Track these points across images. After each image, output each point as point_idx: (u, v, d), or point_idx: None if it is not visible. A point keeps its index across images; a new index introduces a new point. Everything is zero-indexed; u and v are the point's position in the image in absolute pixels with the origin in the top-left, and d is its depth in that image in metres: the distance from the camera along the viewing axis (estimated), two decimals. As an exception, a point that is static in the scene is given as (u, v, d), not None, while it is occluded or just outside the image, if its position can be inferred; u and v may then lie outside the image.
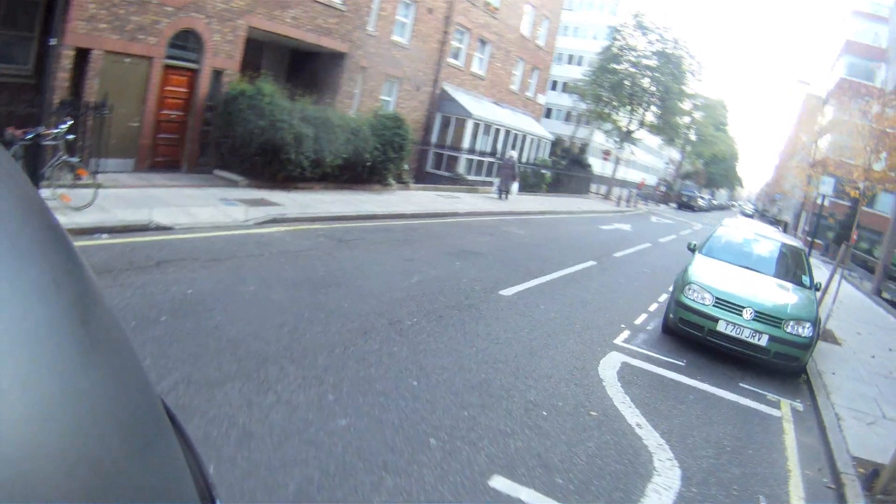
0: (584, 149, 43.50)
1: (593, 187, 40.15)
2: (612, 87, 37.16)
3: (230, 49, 13.58)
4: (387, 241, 11.03)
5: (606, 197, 39.79)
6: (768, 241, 10.66)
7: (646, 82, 37.21)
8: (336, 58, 16.92)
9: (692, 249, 10.31)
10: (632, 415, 5.72)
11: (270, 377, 4.62)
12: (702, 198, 63.60)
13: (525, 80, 31.36)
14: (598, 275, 12.45)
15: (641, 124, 40.02)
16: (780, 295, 8.63)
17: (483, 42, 26.67)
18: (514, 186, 23.92)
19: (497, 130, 27.15)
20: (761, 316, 7.91)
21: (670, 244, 22.96)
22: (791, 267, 9.96)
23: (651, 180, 50.40)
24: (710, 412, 6.43)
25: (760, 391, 7.50)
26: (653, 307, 10.51)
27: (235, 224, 9.82)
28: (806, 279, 9.52)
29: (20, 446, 0.36)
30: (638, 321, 9.31)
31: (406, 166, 18.32)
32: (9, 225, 0.45)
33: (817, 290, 9.40)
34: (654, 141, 47.34)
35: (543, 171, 30.39)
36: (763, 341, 7.78)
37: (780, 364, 7.99)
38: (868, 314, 14.38)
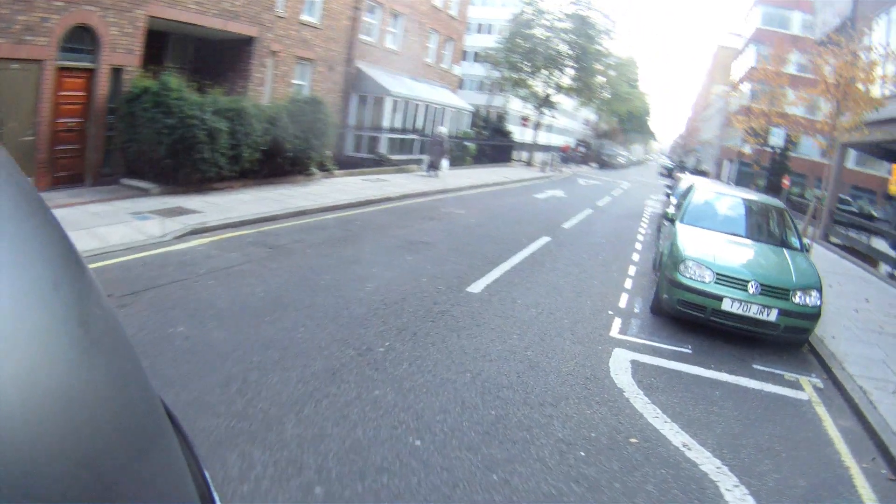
0: (502, 117, 42.59)
1: (515, 154, 39.49)
2: (525, 54, 36.32)
3: (129, 43, 11.72)
4: (326, 242, 9.68)
5: (529, 163, 39.14)
6: (748, 202, 9.96)
7: (562, 46, 36.53)
8: (245, 43, 15.20)
9: (671, 219, 9.41)
10: (672, 432, 4.76)
11: (231, 472, 3.33)
12: (621, 155, 64.39)
13: (440, 51, 30.07)
14: (558, 252, 11.54)
15: (559, 88, 39.50)
16: (779, 263, 7.86)
17: (395, 15, 25.19)
18: (445, 163, 22.80)
19: (416, 106, 25.85)
20: (767, 289, 7.11)
21: (610, 207, 22.42)
22: (778, 229, 9.29)
23: (571, 142, 50.24)
24: (743, 409, 5.60)
25: (776, 370, 6.77)
26: (628, 283, 9.70)
27: (152, 242, 8.24)
28: (795, 240, 8.86)
29: (20, 447, 0.35)
30: (622, 304, 8.43)
31: (328, 152, 16.85)
32: (9, 225, 0.44)
33: (806, 250, 8.75)
34: (571, 103, 47.00)
35: (467, 144, 29.35)
36: (772, 316, 7.00)
37: (790, 338, 7.26)
38: (826, 263, 14.02)
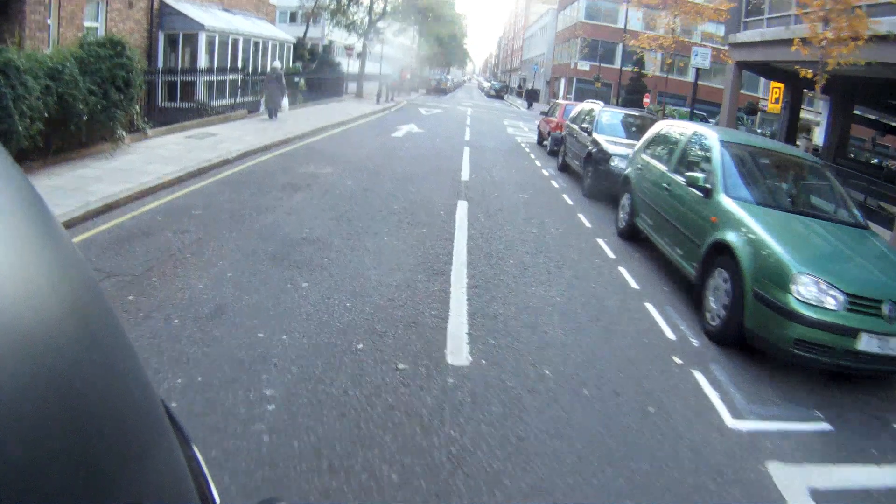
0: (327, 48, 38.87)
1: (346, 87, 36.33)
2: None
3: None
4: (163, 259, 6.39)
5: (359, 95, 36.17)
6: (781, 158, 7.96)
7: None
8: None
9: (704, 189, 6.86)
10: None
11: None
12: (447, 80, 62.92)
13: (250, -25, 25.84)
14: (495, 228, 9.36)
15: (383, 13, 36.80)
16: (883, 259, 5.86)
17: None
18: (285, 102, 19.44)
19: (235, 41, 21.80)
20: (896, 308, 5.00)
21: (480, 141, 20.57)
22: (831, 198, 7.38)
23: (402, 71, 47.62)
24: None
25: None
26: (629, 278, 8.00)
27: None
28: (856, 213, 7.01)
29: (18, 447, 0.34)
30: (668, 332, 6.42)
31: (138, 107, 13.06)
32: (4, 222, 0.43)
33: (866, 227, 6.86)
34: (394, 29, 44.24)
35: (297, 79, 25.83)
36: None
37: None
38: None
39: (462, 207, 10.20)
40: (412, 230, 8.57)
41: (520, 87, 66.75)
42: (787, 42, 14.68)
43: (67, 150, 10.41)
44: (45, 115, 9.19)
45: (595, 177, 12.13)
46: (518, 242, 8.65)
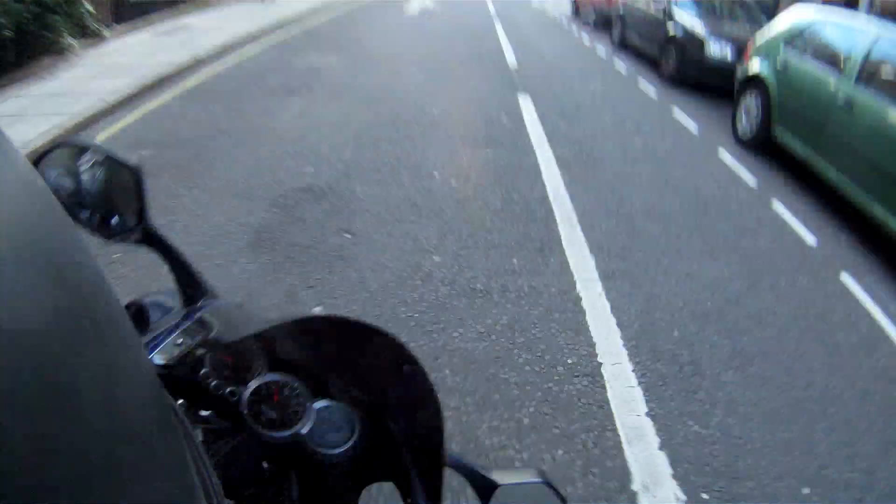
0: None
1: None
2: None
3: None
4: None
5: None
6: None
7: None
8: None
9: None
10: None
11: None
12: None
13: None
14: (578, 131, 6.81)
15: None
16: None
17: None
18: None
19: None
20: None
21: (509, 14, 17.08)
22: None
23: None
24: None
25: None
26: (775, 204, 5.23)
27: None
28: None
29: (20, 445, 0.33)
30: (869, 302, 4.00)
31: (89, 6, 9.87)
32: (8, 213, 0.40)
33: None
34: None
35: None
36: None
37: None
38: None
39: (527, 107, 7.39)
40: (473, 153, 5.79)
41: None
42: None
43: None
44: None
45: (682, 65, 9.58)
46: (630, 169, 5.89)
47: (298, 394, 0.86)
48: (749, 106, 7.04)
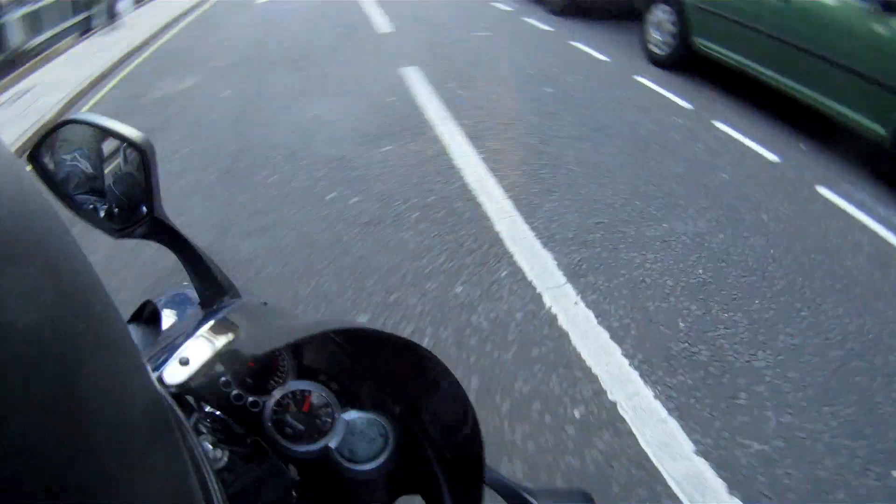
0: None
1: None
2: None
3: None
4: None
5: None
6: None
7: None
8: None
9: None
10: None
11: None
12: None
13: None
14: (478, 94, 6.01)
15: None
16: None
17: None
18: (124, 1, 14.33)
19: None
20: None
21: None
22: None
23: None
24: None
25: None
26: (717, 124, 4.58)
27: None
28: None
29: (16, 446, 0.33)
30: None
31: None
32: (7, 216, 0.38)
33: None
34: None
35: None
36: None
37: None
38: None
39: (418, 80, 6.48)
40: (368, 153, 4.92)
41: None
42: None
43: None
44: None
45: None
46: (549, 125, 5.17)
47: (327, 403, 0.77)
48: (660, 21, 6.40)
